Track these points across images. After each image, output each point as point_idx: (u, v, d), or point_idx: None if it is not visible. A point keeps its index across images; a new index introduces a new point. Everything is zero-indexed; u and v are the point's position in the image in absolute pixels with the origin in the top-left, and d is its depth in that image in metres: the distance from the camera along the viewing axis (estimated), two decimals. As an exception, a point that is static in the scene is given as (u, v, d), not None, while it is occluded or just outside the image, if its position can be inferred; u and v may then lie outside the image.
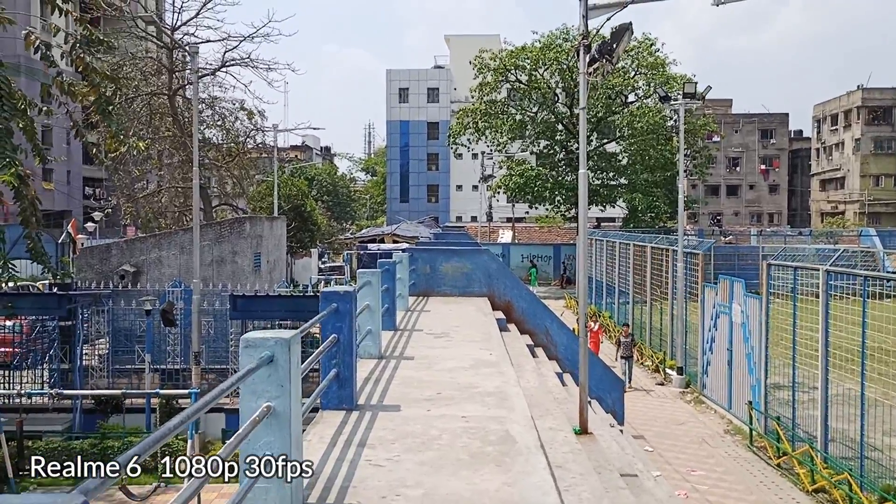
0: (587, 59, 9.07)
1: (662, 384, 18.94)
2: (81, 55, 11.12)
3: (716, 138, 62.37)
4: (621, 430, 12.18)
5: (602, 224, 53.22)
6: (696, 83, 18.54)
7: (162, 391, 13.47)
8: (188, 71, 29.28)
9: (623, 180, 42.59)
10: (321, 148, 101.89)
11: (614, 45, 8.32)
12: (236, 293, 14.26)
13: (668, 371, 19.32)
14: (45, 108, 11.77)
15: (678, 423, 15.06)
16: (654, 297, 22.11)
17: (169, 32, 26.60)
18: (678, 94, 22.28)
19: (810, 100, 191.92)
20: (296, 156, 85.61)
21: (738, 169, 77.82)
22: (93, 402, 15.41)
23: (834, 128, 70.62)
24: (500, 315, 12.75)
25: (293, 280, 42.34)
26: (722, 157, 72.15)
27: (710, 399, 16.80)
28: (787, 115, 77.89)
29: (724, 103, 78.70)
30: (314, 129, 50.50)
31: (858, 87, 66.34)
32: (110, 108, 11.41)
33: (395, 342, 8.55)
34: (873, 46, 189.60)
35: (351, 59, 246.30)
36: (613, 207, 45.40)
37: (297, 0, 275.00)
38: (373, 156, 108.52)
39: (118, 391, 13.56)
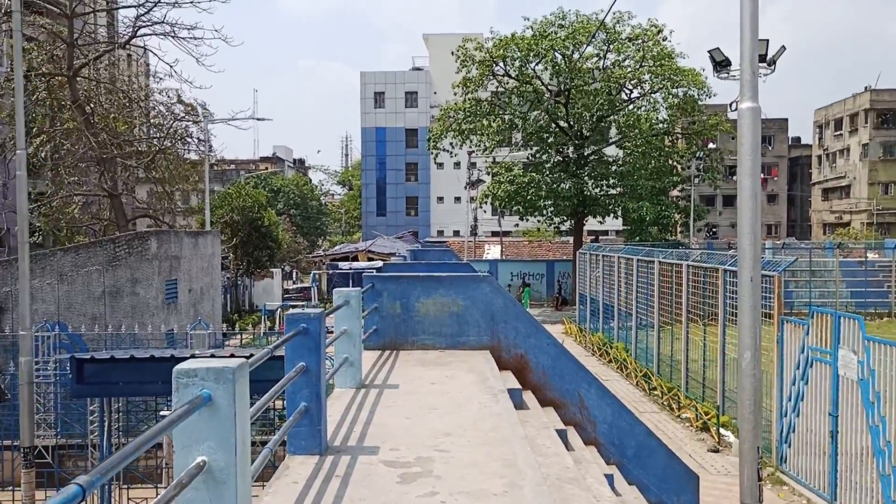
0: None
1: (717, 451, 14.05)
2: None
3: (711, 145, 58.20)
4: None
5: (598, 238, 48.56)
6: (766, 41, 13.80)
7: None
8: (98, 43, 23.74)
9: (621, 188, 37.76)
10: (294, 160, 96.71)
11: None
12: (80, 355, 8.90)
13: (722, 432, 14.47)
14: None
15: (769, 530, 10.19)
16: (691, 327, 17.32)
17: None
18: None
19: (805, 107, 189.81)
20: (266, 167, 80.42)
21: (734, 178, 73.59)
22: None
23: (838, 133, 66.30)
24: (511, 379, 7.92)
25: (252, 306, 37.02)
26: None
27: (794, 479, 11.95)
28: (786, 120, 73.49)
29: (720, 108, 74.47)
30: (258, 119, 44.45)
31: (866, 88, 61.76)
32: None
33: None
34: (870, 54, 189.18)
35: (329, 72, 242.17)
36: (617, 218, 40.58)
37: (270, 14, 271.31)
38: (349, 168, 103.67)
39: None
